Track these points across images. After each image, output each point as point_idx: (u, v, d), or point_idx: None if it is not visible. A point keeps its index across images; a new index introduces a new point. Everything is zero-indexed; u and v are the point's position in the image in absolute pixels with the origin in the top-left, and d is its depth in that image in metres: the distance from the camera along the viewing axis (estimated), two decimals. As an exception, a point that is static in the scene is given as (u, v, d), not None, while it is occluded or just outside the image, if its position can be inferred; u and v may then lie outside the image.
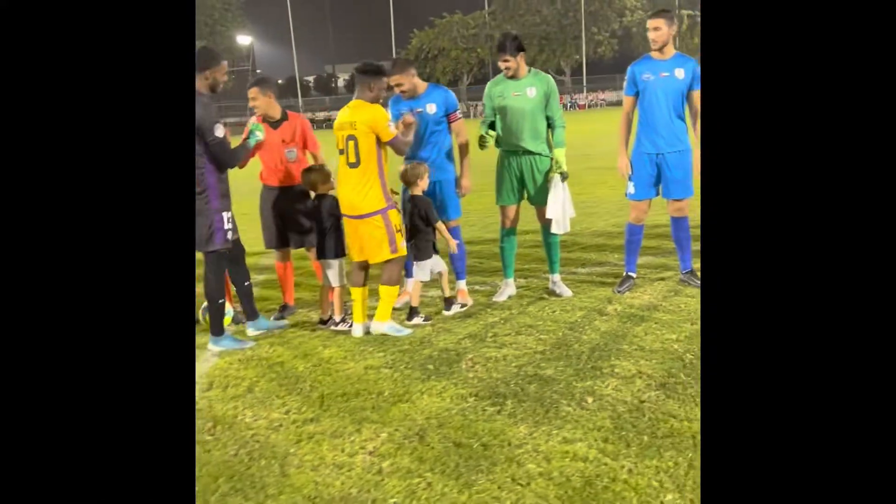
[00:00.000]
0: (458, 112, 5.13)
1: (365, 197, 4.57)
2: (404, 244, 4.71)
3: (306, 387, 3.91)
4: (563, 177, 5.06)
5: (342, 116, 4.61)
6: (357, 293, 4.79)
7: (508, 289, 5.40)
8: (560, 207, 5.08)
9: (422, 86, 5.10)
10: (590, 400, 3.49)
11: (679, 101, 5.09)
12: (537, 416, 3.35)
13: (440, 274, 5.04)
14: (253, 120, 5.04)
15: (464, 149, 5.20)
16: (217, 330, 4.62)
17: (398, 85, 4.99)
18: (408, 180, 4.90)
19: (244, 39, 69.70)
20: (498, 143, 5.23)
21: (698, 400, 3.41)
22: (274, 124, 5.02)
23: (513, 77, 5.07)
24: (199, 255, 4.32)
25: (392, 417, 3.45)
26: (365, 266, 4.83)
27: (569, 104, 54.38)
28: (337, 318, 4.93)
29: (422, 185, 4.89)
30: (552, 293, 5.38)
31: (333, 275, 4.92)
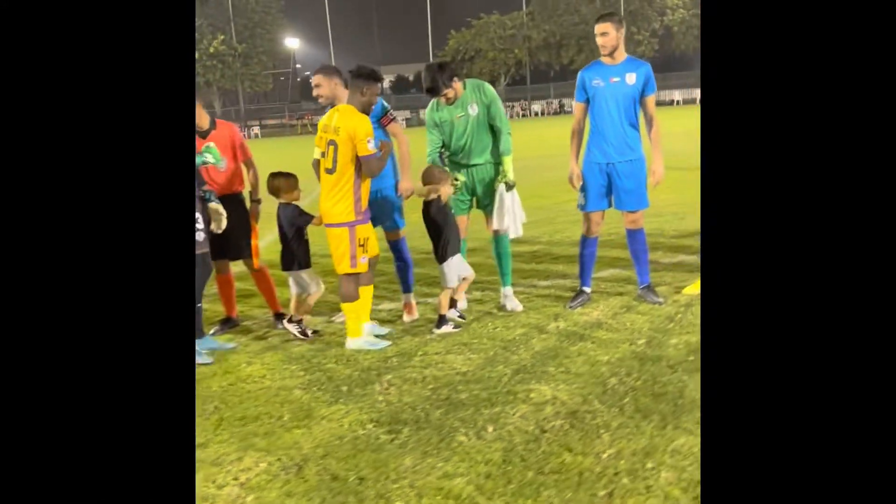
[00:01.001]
0: (390, 114, 4.94)
1: (335, 206, 4.43)
2: (364, 260, 4.53)
3: (210, 408, 3.78)
4: (509, 186, 4.85)
5: (328, 119, 4.45)
6: (347, 308, 4.61)
7: (458, 303, 5.21)
8: (510, 216, 4.90)
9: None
10: (490, 429, 3.30)
11: (631, 108, 4.84)
12: (429, 447, 3.17)
13: (466, 278, 4.90)
14: (207, 144, 4.85)
15: (403, 151, 5.00)
16: (198, 332, 4.53)
17: (317, 86, 4.83)
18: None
19: (292, 42, 70.49)
20: (442, 160, 5.07)
21: (601, 431, 3.19)
22: (202, 133, 4.89)
23: (453, 100, 4.88)
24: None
25: (280, 445, 3.30)
26: (371, 263, 4.69)
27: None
28: (294, 318, 4.82)
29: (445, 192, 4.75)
30: (502, 307, 5.17)
31: (300, 285, 4.84)
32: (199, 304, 4.52)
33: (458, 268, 4.80)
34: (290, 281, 4.89)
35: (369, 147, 4.29)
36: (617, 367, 3.93)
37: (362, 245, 4.49)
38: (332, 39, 66.45)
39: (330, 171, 4.40)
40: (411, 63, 79.15)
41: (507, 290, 5.21)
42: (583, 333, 4.51)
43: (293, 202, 4.81)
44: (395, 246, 5.08)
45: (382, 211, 4.95)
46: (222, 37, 59.82)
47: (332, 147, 4.35)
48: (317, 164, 4.55)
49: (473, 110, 4.85)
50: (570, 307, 5.00)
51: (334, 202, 4.43)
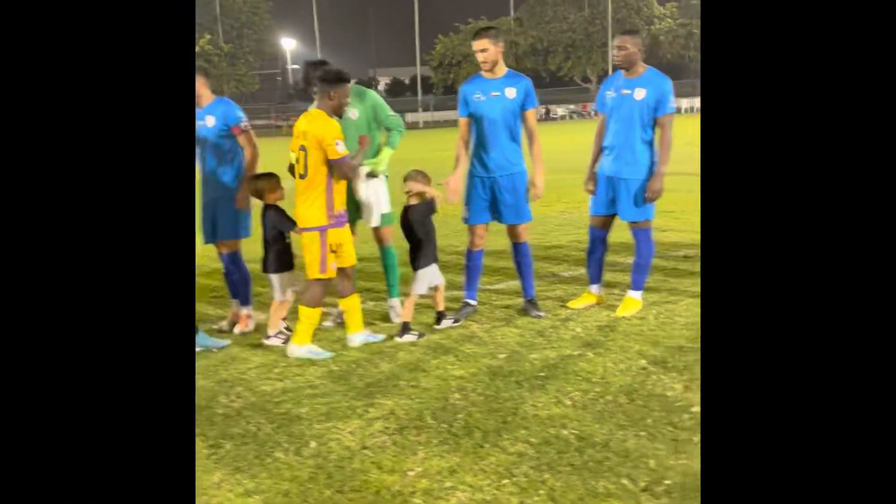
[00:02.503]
0: (241, 124, 4.90)
1: (307, 210, 4.40)
2: (335, 267, 4.49)
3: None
4: (370, 175, 4.76)
5: (299, 124, 4.41)
6: (343, 304, 4.63)
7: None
8: (372, 202, 4.79)
9: (209, 98, 4.91)
10: (312, 444, 3.28)
11: (511, 122, 4.84)
12: (243, 463, 3.15)
13: (437, 288, 4.87)
14: None
15: (249, 161, 4.97)
16: None
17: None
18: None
19: (288, 43, 70.44)
20: None
21: (419, 448, 3.18)
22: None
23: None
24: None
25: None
26: (347, 274, 4.62)
27: (593, 112, 53.82)
28: (271, 332, 4.78)
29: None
30: (388, 319, 5.16)
31: (276, 289, 4.81)
32: None
33: (430, 277, 4.81)
34: (274, 284, 4.84)
35: (338, 150, 4.26)
36: (467, 381, 3.92)
37: (334, 251, 4.46)
38: (321, 43, 66.45)
39: (302, 177, 4.38)
40: (402, 66, 79.15)
41: (394, 300, 5.20)
42: (450, 347, 4.50)
43: (276, 203, 4.79)
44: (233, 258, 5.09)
45: (222, 220, 4.95)
46: (209, 36, 59.72)
47: (302, 153, 4.34)
48: (291, 168, 4.53)
49: (354, 115, 4.83)
50: (453, 320, 4.98)
51: (306, 207, 4.40)
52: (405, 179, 4.79)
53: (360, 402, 3.72)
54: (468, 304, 5.16)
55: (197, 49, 58.02)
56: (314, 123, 4.31)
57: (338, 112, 4.41)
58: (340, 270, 4.54)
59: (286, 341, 4.63)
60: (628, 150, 4.81)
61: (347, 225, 4.57)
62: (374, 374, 4.10)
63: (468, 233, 5.10)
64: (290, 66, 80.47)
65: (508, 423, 3.39)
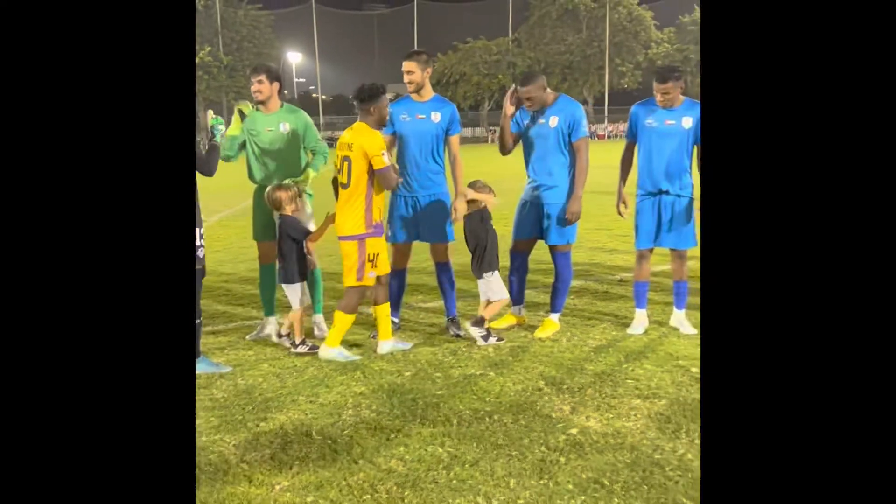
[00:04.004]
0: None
1: (347, 219, 4.56)
2: (372, 275, 4.65)
3: None
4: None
5: (343, 136, 4.60)
6: (376, 311, 4.79)
7: (269, 327, 5.26)
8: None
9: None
10: (212, 457, 3.33)
11: (434, 145, 4.94)
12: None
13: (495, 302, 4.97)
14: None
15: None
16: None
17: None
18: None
19: (294, 57, 70.98)
20: (252, 178, 5.14)
21: (294, 463, 3.23)
22: None
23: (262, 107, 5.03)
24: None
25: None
26: (381, 283, 4.79)
27: (590, 135, 54.12)
28: (297, 340, 4.88)
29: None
30: (313, 334, 5.23)
31: (293, 298, 4.90)
32: (197, 321, 4.39)
33: (492, 284, 4.93)
34: (291, 295, 4.93)
35: (384, 160, 4.44)
36: (365, 398, 3.98)
37: (371, 260, 4.61)
38: (320, 58, 67.01)
39: (345, 186, 4.54)
40: (400, 83, 79.42)
41: (318, 317, 5.28)
42: (360, 364, 4.56)
43: (293, 214, 4.89)
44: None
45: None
46: (209, 48, 60.09)
47: (346, 163, 4.50)
48: (335, 180, 4.69)
49: (285, 129, 4.94)
50: (373, 337, 5.04)
51: (346, 216, 4.55)
52: (470, 186, 4.93)
53: (255, 416, 3.78)
54: (392, 322, 5.22)
55: (197, 60, 58.49)
56: (360, 135, 4.46)
57: (381, 124, 4.59)
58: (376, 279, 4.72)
59: (312, 349, 4.81)
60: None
61: (383, 235, 4.76)
62: (276, 389, 4.16)
63: (391, 250, 5.18)
64: (295, 80, 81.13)
65: (391, 441, 3.44)
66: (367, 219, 4.55)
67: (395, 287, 5.20)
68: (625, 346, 4.78)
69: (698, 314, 5.24)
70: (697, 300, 5.34)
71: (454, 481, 3.04)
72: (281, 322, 5.21)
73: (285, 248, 4.86)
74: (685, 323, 5.05)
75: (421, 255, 5.88)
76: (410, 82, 4.90)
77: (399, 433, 3.52)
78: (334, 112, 67.85)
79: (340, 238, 4.60)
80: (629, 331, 5.07)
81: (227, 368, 4.57)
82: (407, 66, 4.89)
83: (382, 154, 4.43)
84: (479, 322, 4.88)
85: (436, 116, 4.91)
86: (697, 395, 3.87)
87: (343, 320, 4.68)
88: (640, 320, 5.12)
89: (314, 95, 72.52)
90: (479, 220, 4.91)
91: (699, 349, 4.60)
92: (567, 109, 4.87)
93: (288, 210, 4.84)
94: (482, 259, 4.91)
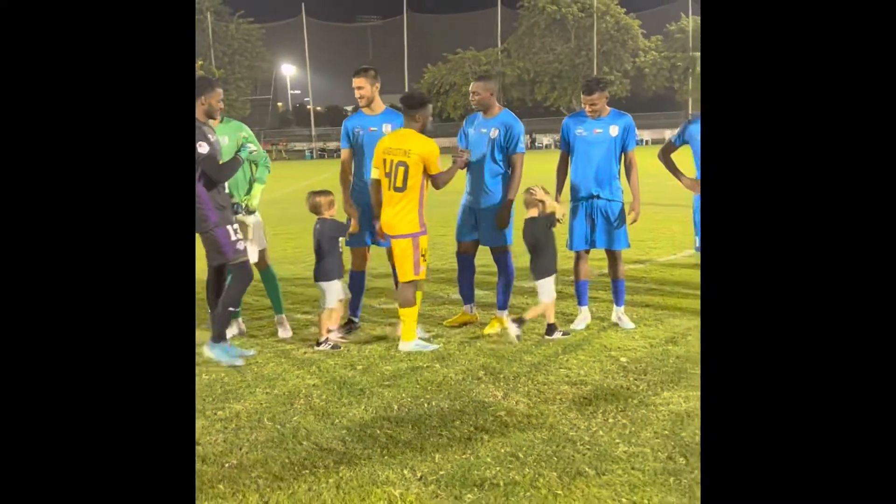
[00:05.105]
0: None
1: (402, 220, 4.94)
2: (424, 269, 5.05)
3: None
4: (248, 211, 5.25)
5: (391, 142, 4.92)
6: (405, 313, 5.03)
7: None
8: (249, 242, 5.20)
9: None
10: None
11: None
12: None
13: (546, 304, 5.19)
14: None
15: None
16: (217, 336, 4.80)
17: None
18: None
19: (288, 69, 71.63)
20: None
21: (221, 448, 3.55)
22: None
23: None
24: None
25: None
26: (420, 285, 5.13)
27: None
28: (321, 338, 5.15)
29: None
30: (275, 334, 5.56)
31: (330, 297, 5.18)
32: (236, 309, 4.89)
33: (550, 287, 5.18)
34: (329, 293, 5.18)
35: (440, 165, 4.91)
36: (316, 389, 4.30)
37: (423, 255, 5.00)
38: (311, 70, 67.46)
39: (399, 190, 4.89)
40: (391, 94, 79.99)
41: (281, 316, 5.61)
42: (315, 359, 4.89)
43: (329, 216, 5.23)
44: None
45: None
46: (201, 62, 60.52)
47: (401, 168, 4.84)
48: (375, 182, 5.04)
49: (224, 141, 5.25)
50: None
51: (401, 217, 4.93)
52: (525, 191, 5.22)
53: (213, 406, 4.10)
54: (352, 321, 5.56)
55: (188, 74, 58.93)
56: (418, 143, 4.85)
57: (424, 130, 4.96)
58: None
59: (333, 347, 5.08)
60: (481, 183, 5.29)
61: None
62: (236, 383, 4.48)
63: (351, 254, 5.52)
64: (289, 92, 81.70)
65: (335, 425, 3.77)
66: (420, 218, 4.96)
67: (356, 289, 5.54)
68: (564, 340, 5.12)
69: (638, 310, 5.63)
70: (636, 297, 5.70)
71: (386, 457, 3.36)
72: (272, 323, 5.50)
73: (325, 248, 5.17)
74: (624, 318, 5.40)
75: (379, 260, 6.20)
76: (361, 97, 5.26)
77: (343, 418, 3.84)
78: (328, 123, 68.24)
79: (393, 237, 4.99)
80: (572, 326, 5.41)
81: (240, 362, 4.82)
82: (357, 82, 5.25)
83: (438, 160, 4.88)
84: (519, 321, 5.10)
85: (387, 129, 5.26)
86: (621, 381, 4.21)
87: (408, 314, 4.99)
88: (583, 316, 5.46)
89: (308, 107, 73.07)
90: (541, 224, 5.15)
91: (633, 341, 4.98)
92: (507, 123, 5.26)
93: (326, 214, 5.21)
94: (542, 263, 5.15)
